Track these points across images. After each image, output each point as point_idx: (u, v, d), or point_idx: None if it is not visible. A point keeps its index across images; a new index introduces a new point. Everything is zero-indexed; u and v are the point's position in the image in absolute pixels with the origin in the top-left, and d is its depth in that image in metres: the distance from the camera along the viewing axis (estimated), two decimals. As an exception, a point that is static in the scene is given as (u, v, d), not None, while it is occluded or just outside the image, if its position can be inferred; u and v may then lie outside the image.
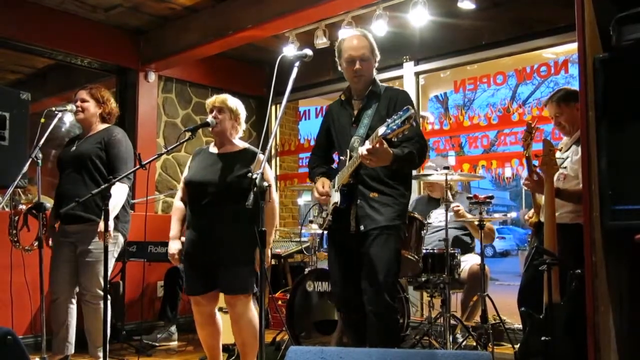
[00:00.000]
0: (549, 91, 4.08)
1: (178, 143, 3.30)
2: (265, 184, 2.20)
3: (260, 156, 2.87)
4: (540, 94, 17.04)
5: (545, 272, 2.79)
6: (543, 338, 2.71)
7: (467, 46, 5.00)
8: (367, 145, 2.57)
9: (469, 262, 4.33)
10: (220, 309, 3.41)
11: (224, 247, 3.08)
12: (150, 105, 5.61)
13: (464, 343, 4.07)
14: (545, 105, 3.56)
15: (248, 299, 3.14)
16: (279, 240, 5.76)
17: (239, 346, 3.28)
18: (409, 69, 5.30)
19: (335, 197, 2.86)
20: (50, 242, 3.61)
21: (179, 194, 3.39)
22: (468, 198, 4.40)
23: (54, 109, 3.56)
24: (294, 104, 7.09)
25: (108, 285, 3.10)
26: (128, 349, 4.45)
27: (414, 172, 4.88)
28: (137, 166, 2.97)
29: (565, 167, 3.21)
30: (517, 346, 3.71)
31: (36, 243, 3.35)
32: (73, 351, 3.71)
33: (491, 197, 4.10)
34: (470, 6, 4.50)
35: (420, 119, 5.42)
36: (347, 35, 3.03)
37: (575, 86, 2.97)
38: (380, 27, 4.58)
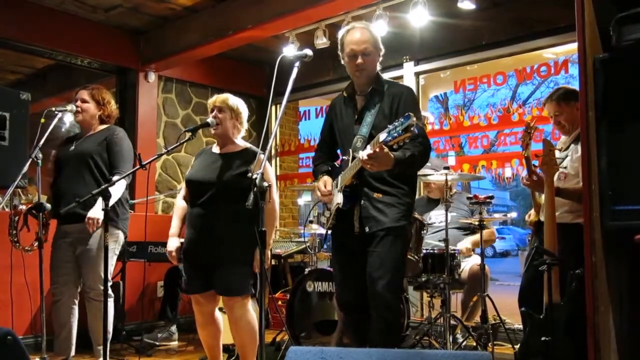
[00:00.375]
0: (549, 91, 4.08)
1: (178, 143, 3.30)
2: (265, 184, 2.20)
3: (261, 156, 2.85)
4: (540, 94, 17.03)
5: (546, 272, 2.79)
6: (543, 338, 2.71)
7: (467, 46, 5.00)
8: (368, 150, 2.55)
9: (469, 262, 4.33)
10: (221, 309, 3.41)
11: (222, 246, 3.08)
12: (150, 106, 5.61)
13: (464, 343, 4.07)
14: (544, 104, 3.56)
15: (245, 300, 3.12)
16: (279, 240, 5.76)
17: (238, 348, 3.28)
18: (409, 69, 5.30)
19: (338, 198, 2.84)
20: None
21: (182, 192, 3.39)
22: (468, 198, 4.40)
23: (54, 109, 3.56)
24: (294, 104, 7.09)
25: (109, 284, 3.12)
26: (128, 349, 4.45)
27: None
28: (137, 166, 2.97)
29: (565, 167, 3.21)
30: (517, 346, 3.71)
31: (36, 243, 3.35)
32: (74, 352, 3.72)
33: (491, 197, 4.10)
34: (470, 6, 4.50)
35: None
36: (349, 28, 2.95)
37: (575, 86, 2.97)
38: (380, 27, 4.57)
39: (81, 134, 3.83)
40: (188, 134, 3.18)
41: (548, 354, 2.69)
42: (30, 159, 3.25)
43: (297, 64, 2.57)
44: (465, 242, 4.31)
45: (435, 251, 4.04)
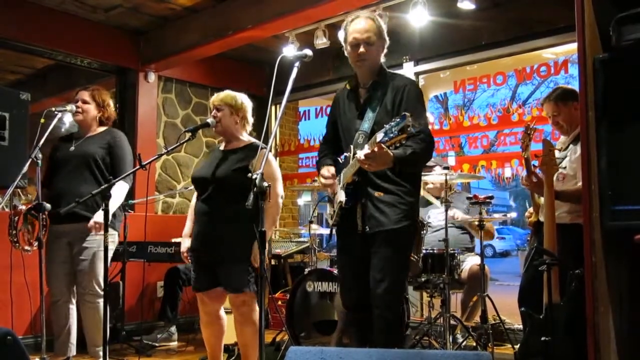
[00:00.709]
0: (548, 92, 4.07)
1: (178, 144, 3.30)
2: (265, 184, 2.20)
3: (263, 150, 2.81)
4: (540, 94, 17.02)
5: (545, 272, 2.79)
6: (543, 338, 2.71)
7: (467, 46, 5.00)
8: (366, 149, 2.51)
9: (469, 262, 4.34)
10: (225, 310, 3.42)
11: (223, 244, 3.08)
12: (150, 106, 5.61)
13: (463, 343, 4.08)
14: (542, 104, 3.56)
15: (253, 299, 3.10)
16: (278, 240, 5.77)
17: (241, 346, 3.27)
18: (408, 69, 5.30)
19: (341, 196, 2.79)
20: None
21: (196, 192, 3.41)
22: (468, 198, 4.40)
23: (53, 109, 3.55)
24: (294, 104, 7.10)
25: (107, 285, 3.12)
26: (128, 349, 4.45)
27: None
28: (137, 166, 2.98)
29: (564, 167, 3.21)
30: (517, 346, 3.71)
31: (36, 243, 3.35)
32: (75, 352, 3.72)
33: (491, 197, 4.10)
34: (470, 6, 4.50)
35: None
36: (354, 17, 2.88)
37: (575, 86, 2.97)
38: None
39: (80, 134, 3.83)
40: (188, 134, 3.18)
41: (548, 354, 2.69)
42: (30, 159, 3.25)
43: (297, 64, 2.56)
44: (458, 215, 4.31)
45: (435, 251, 4.04)
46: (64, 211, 3.32)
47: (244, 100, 3.30)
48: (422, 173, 4.24)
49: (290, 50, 4.96)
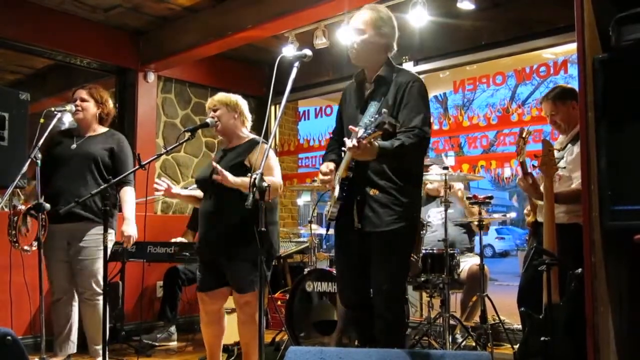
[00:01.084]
0: (550, 89, 4.09)
1: (177, 143, 3.30)
2: (265, 184, 2.20)
3: (264, 146, 2.80)
4: (539, 95, 17.03)
5: (545, 272, 2.79)
6: (542, 338, 2.71)
7: (466, 46, 5.00)
8: (348, 143, 2.47)
9: (468, 262, 4.34)
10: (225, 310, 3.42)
11: (226, 244, 3.08)
12: (149, 106, 5.61)
13: (463, 343, 4.08)
14: (541, 102, 3.55)
15: (256, 299, 3.05)
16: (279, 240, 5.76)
17: (243, 346, 3.27)
18: (408, 69, 5.30)
19: (337, 191, 2.73)
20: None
21: None
22: (468, 198, 4.40)
23: (53, 109, 3.55)
24: (294, 104, 7.09)
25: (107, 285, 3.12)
26: (127, 349, 4.45)
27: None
28: (137, 166, 2.98)
29: (563, 167, 3.21)
30: (516, 346, 3.71)
31: (35, 243, 3.35)
32: (75, 350, 3.73)
33: (490, 197, 4.10)
34: (470, 6, 4.50)
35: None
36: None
37: (574, 86, 2.97)
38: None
39: (79, 132, 3.82)
40: (187, 134, 3.19)
41: (547, 354, 2.69)
42: (30, 159, 3.25)
43: (296, 64, 2.56)
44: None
45: (435, 251, 4.04)
46: (63, 211, 3.32)
47: (238, 99, 3.32)
48: (425, 172, 4.27)
49: (289, 50, 4.96)
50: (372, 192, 2.69)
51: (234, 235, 3.06)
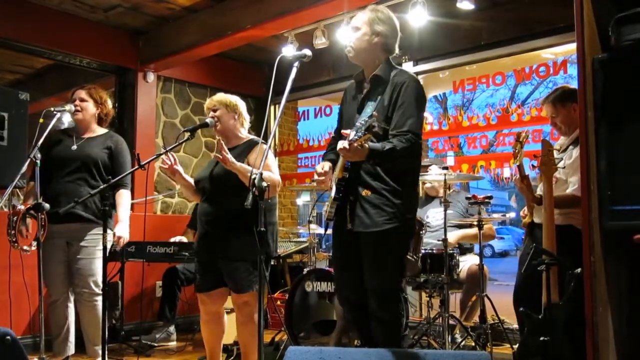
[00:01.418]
0: (547, 92, 4.08)
1: (177, 143, 3.30)
2: (265, 184, 2.20)
3: (263, 147, 2.80)
4: (539, 95, 17.06)
5: (544, 272, 2.79)
6: (542, 338, 2.71)
7: (466, 46, 5.00)
8: (339, 145, 2.46)
9: (468, 262, 4.34)
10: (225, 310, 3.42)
11: (226, 244, 3.08)
12: (149, 106, 5.61)
13: (462, 343, 4.08)
14: (542, 104, 3.55)
15: (255, 299, 3.06)
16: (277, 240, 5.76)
17: (242, 346, 3.28)
18: (407, 69, 5.28)
19: (333, 191, 2.77)
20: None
21: None
22: (467, 198, 4.40)
23: (52, 109, 3.55)
24: (293, 104, 7.09)
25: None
26: (127, 349, 4.44)
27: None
28: (136, 166, 2.98)
29: (563, 168, 3.20)
30: (515, 346, 3.71)
31: (34, 243, 3.35)
32: (73, 351, 3.72)
33: (490, 198, 4.10)
34: (470, 6, 4.50)
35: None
36: None
37: (574, 86, 2.97)
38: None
39: (78, 132, 3.82)
40: (187, 134, 3.19)
41: (547, 354, 2.69)
42: (29, 159, 3.25)
43: (296, 64, 2.56)
44: (451, 236, 4.27)
45: (434, 251, 4.04)
46: (63, 211, 3.32)
47: (237, 100, 3.33)
48: (423, 173, 4.26)
49: (289, 50, 4.96)
50: (365, 192, 2.68)
51: (232, 236, 3.06)
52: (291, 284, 4.90)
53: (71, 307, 3.71)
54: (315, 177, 2.78)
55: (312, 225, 4.63)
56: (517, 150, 3.19)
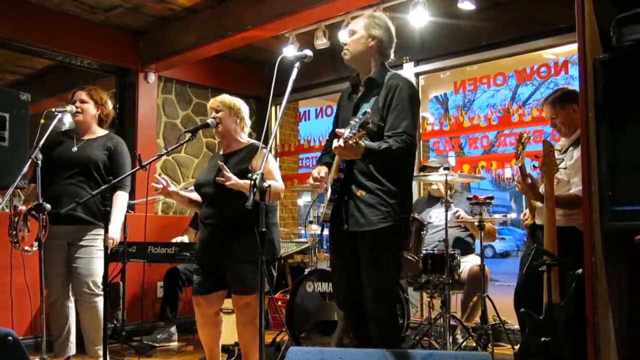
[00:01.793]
0: (548, 92, 4.08)
1: (178, 144, 3.30)
2: (265, 184, 2.20)
3: (263, 150, 2.81)
4: (540, 95, 17.04)
5: (545, 273, 2.79)
6: (543, 339, 2.71)
7: (467, 47, 5.00)
8: (335, 143, 2.49)
9: (469, 262, 4.33)
10: (221, 309, 3.41)
11: (230, 247, 3.08)
12: (150, 106, 5.61)
13: (463, 344, 4.08)
14: (542, 105, 3.55)
15: (257, 301, 3.08)
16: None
17: (242, 347, 3.27)
18: (408, 70, 5.31)
19: (329, 192, 2.79)
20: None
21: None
22: (468, 199, 4.40)
23: (53, 109, 3.55)
24: (294, 104, 7.10)
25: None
26: (128, 349, 4.45)
27: (414, 172, 4.92)
28: (137, 167, 2.98)
29: (564, 168, 3.20)
30: (517, 347, 3.71)
31: (36, 244, 3.35)
32: (74, 351, 3.73)
33: (491, 198, 4.10)
34: (470, 7, 4.50)
35: (421, 120, 5.43)
36: None
37: (575, 87, 2.97)
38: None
39: (78, 134, 3.82)
40: (188, 135, 3.19)
41: (548, 355, 2.69)
42: (30, 160, 3.25)
43: (297, 64, 2.56)
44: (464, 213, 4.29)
45: (435, 252, 4.04)
46: (64, 212, 3.32)
47: (241, 104, 3.33)
48: (426, 174, 4.27)
49: (290, 51, 4.96)
50: (359, 193, 2.72)
51: (237, 237, 3.06)
52: (292, 285, 4.90)
53: (71, 307, 3.71)
54: (311, 181, 2.83)
55: (314, 226, 4.63)
56: (518, 151, 3.19)
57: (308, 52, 2.59)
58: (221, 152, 3.35)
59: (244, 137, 3.35)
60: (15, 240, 3.33)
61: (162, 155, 3.30)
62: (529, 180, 3.14)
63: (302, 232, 5.96)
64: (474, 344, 4.03)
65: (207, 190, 3.19)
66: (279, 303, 5.01)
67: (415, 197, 5.12)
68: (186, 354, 4.48)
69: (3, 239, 3.39)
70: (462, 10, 4.61)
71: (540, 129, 4.61)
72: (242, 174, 3.02)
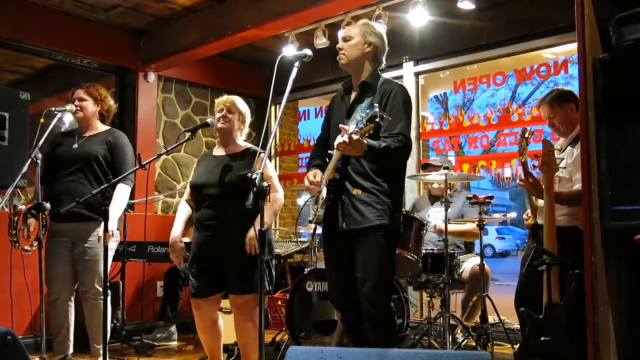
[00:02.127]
0: (548, 92, 4.10)
1: (178, 143, 3.31)
2: (265, 184, 2.21)
3: (262, 154, 2.85)
4: (539, 94, 17.01)
5: (545, 272, 2.79)
6: (543, 338, 2.71)
7: (466, 46, 5.00)
8: (339, 139, 2.53)
9: (470, 262, 4.33)
10: (220, 309, 3.41)
11: (232, 247, 3.07)
12: (149, 106, 5.61)
13: (463, 343, 4.08)
14: (538, 106, 3.55)
15: (256, 301, 3.09)
16: (278, 240, 5.76)
17: (241, 346, 3.28)
18: (408, 69, 5.31)
19: (324, 193, 2.82)
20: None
21: (185, 195, 3.40)
22: (468, 198, 4.40)
23: (53, 109, 3.55)
24: (294, 104, 7.10)
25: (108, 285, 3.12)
26: (128, 349, 4.45)
27: (414, 172, 4.93)
28: (137, 166, 2.98)
29: (564, 167, 3.20)
30: (516, 346, 3.71)
31: (36, 243, 3.35)
32: (72, 350, 3.73)
33: (491, 197, 4.10)
34: (470, 6, 4.50)
35: (420, 119, 5.43)
36: None
37: (575, 87, 2.97)
38: (379, 28, 4.57)
39: (80, 132, 3.83)
40: (188, 134, 3.19)
41: (548, 354, 2.69)
42: (30, 159, 3.25)
43: (296, 63, 2.57)
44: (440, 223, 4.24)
45: (435, 251, 4.04)
46: (64, 210, 3.32)
47: (247, 111, 3.37)
48: (426, 173, 4.27)
49: (290, 50, 4.96)
50: (355, 191, 2.77)
51: (239, 238, 3.05)
52: (292, 284, 4.90)
53: (71, 306, 3.71)
54: (306, 183, 2.90)
55: (313, 225, 4.62)
56: (522, 147, 3.19)
57: (308, 52, 2.60)
58: (218, 153, 3.34)
59: (241, 140, 3.37)
60: (15, 239, 3.33)
61: (161, 155, 3.29)
62: (531, 179, 3.14)
63: (302, 231, 5.97)
64: (474, 344, 4.03)
65: (211, 192, 3.16)
66: (279, 302, 5.01)
67: (415, 196, 5.13)
68: (186, 353, 4.48)
69: (3, 239, 3.40)
70: (461, 10, 4.62)
71: (540, 128, 4.61)
72: (245, 178, 3.03)
